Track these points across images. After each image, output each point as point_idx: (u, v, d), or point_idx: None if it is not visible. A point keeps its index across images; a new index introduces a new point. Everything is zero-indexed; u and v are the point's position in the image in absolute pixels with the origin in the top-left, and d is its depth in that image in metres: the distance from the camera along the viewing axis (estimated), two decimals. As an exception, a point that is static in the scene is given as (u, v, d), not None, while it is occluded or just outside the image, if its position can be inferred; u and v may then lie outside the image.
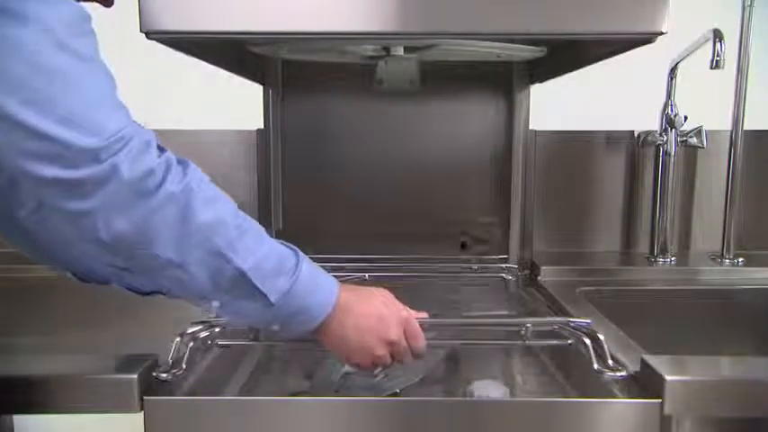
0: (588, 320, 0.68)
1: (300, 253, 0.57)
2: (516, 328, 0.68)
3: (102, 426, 0.86)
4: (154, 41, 0.63)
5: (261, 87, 1.09)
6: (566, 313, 0.82)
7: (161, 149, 0.49)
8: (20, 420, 0.98)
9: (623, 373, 0.61)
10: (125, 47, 1.07)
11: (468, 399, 0.67)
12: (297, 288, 0.54)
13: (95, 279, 0.54)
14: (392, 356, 0.61)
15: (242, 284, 0.52)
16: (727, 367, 0.60)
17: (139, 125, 0.48)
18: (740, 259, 1.05)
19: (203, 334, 0.65)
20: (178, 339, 0.63)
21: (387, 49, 0.84)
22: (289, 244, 0.57)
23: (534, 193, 1.12)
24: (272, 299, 0.53)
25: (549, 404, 0.59)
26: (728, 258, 1.06)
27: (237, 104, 1.13)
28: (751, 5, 0.99)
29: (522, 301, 0.97)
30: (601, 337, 0.64)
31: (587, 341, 0.64)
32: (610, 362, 0.62)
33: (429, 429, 0.57)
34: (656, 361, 0.58)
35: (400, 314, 0.61)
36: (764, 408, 0.56)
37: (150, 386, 0.58)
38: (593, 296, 0.90)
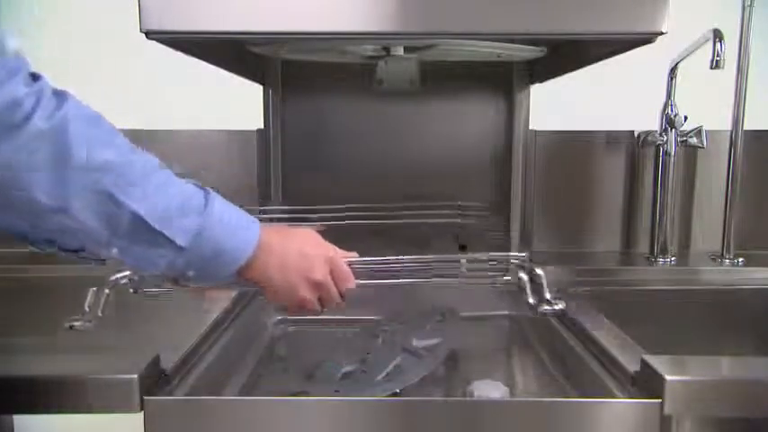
0: (524, 253, 0.66)
1: (212, 192, 0.54)
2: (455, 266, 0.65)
3: (102, 426, 0.87)
4: (154, 41, 0.63)
5: (261, 87, 1.09)
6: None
7: (36, 78, 0.44)
8: (20, 420, 0.98)
9: (560, 306, 0.60)
10: (125, 47, 1.07)
11: (468, 399, 0.67)
12: (210, 229, 0.51)
13: (13, 234, 0.50)
14: (321, 301, 0.60)
15: (142, 229, 0.48)
16: (727, 367, 0.60)
17: (15, 54, 0.43)
18: (740, 259, 1.05)
19: (123, 282, 0.63)
20: (95, 288, 0.61)
21: (387, 49, 0.84)
22: (199, 183, 0.54)
23: (534, 193, 1.12)
24: (181, 242, 0.50)
25: (549, 404, 0.59)
26: (728, 258, 1.06)
27: (237, 104, 1.13)
28: (751, 5, 0.99)
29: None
30: (539, 271, 0.62)
31: (523, 276, 0.62)
32: (547, 295, 0.61)
33: (429, 429, 0.57)
34: (656, 361, 0.58)
35: (326, 254, 0.60)
36: (764, 408, 0.56)
37: (150, 386, 0.58)
38: (594, 296, 0.90)
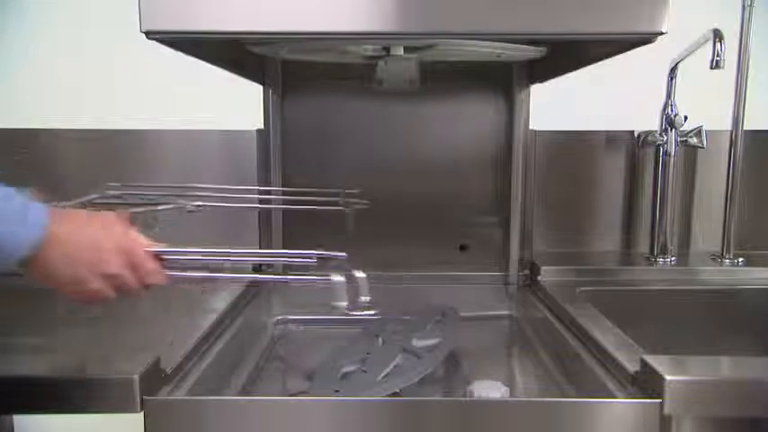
0: (344, 254, 0.61)
1: None
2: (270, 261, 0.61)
3: (102, 426, 0.87)
4: (154, 41, 0.63)
5: (261, 87, 1.09)
6: (565, 315, 0.82)
7: None
8: (20, 420, 0.98)
9: (372, 312, 0.58)
10: (125, 47, 1.07)
11: (468, 399, 0.67)
12: None
13: None
14: (119, 289, 0.56)
15: None
16: (727, 367, 0.60)
17: None
18: (740, 259, 1.05)
19: None
20: None
21: (387, 49, 0.84)
22: None
23: (534, 193, 1.12)
24: None
25: (549, 404, 0.59)
26: (728, 258, 1.06)
27: (237, 104, 1.13)
28: (751, 5, 0.99)
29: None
30: (359, 275, 0.59)
31: (337, 278, 0.59)
32: (364, 299, 0.59)
33: (429, 429, 0.57)
34: (656, 361, 0.58)
35: (122, 244, 0.55)
36: (764, 408, 0.56)
37: (150, 386, 0.58)
38: (594, 296, 0.90)
